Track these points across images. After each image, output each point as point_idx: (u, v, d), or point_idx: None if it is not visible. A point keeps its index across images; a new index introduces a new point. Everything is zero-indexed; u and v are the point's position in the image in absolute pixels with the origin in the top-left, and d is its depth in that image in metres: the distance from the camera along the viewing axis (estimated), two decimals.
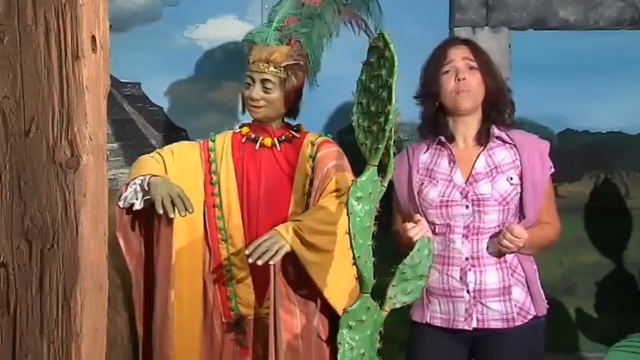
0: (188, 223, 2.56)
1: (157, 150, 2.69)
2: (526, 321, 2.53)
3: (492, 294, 2.51)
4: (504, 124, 2.61)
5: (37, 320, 1.69)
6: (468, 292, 2.51)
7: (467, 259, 2.52)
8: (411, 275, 2.38)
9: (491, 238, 2.52)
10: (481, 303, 2.51)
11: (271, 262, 2.38)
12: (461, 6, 3.33)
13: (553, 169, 2.60)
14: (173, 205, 2.36)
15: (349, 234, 2.20)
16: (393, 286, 2.35)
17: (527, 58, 2.57)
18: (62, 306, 1.69)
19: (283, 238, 2.41)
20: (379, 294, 2.33)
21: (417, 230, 2.48)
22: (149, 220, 2.50)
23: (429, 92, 2.60)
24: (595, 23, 3.36)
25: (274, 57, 2.59)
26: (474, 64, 2.56)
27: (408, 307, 2.54)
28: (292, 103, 2.65)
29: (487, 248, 2.52)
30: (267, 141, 2.63)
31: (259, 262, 2.38)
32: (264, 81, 2.59)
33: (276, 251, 2.39)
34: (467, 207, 2.53)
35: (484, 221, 2.52)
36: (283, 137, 2.64)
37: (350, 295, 2.45)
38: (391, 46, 2.16)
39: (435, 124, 2.62)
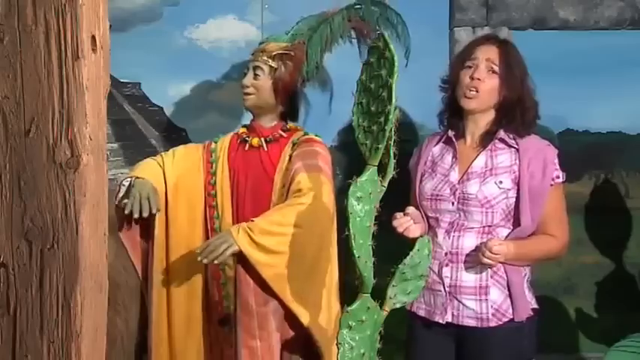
0: (190, 222, 2.63)
1: (162, 153, 2.74)
2: (501, 323, 2.49)
3: (468, 292, 2.51)
4: (516, 131, 2.55)
5: (37, 320, 1.70)
6: (444, 286, 2.52)
7: (445, 254, 2.53)
8: (411, 275, 2.38)
9: (473, 252, 2.50)
10: (457, 299, 2.51)
11: (216, 262, 2.40)
12: (461, 6, 3.33)
13: (560, 179, 2.53)
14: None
15: (349, 234, 2.20)
16: (393, 286, 2.35)
17: (527, 58, 2.56)
18: (62, 306, 1.69)
19: (233, 238, 2.40)
20: (379, 294, 2.33)
21: (402, 222, 2.49)
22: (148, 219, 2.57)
23: (449, 81, 2.62)
24: (595, 23, 3.36)
25: (268, 46, 2.65)
26: (496, 68, 2.53)
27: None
28: (282, 95, 2.64)
29: (468, 247, 2.50)
30: (255, 141, 2.65)
31: (205, 261, 2.41)
32: (255, 68, 2.64)
33: (223, 251, 2.39)
34: (453, 204, 2.53)
35: (468, 220, 2.51)
36: (270, 137, 2.65)
37: (311, 298, 2.47)
38: (391, 46, 2.15)
39: (453, 112, 2.63)
